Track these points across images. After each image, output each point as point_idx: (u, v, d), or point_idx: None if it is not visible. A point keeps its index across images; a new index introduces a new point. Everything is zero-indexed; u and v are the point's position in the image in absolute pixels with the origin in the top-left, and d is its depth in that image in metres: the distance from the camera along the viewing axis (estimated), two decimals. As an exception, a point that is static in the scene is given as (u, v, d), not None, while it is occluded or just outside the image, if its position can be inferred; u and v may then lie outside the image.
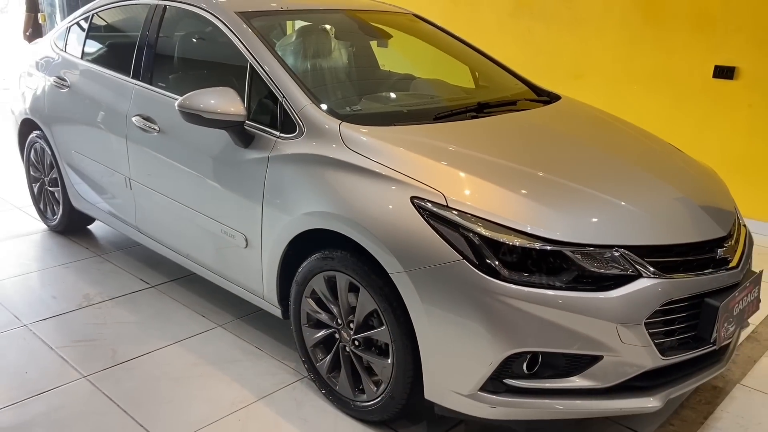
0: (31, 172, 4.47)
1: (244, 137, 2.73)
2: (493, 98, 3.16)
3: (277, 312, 2.82)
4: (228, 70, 3.12)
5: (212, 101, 2.63)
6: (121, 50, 3.73)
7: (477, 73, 3.81)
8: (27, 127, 4.37)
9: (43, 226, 4.49)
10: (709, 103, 4.89)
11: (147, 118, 3.22)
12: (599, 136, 2.89)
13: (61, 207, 4.22)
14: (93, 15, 3.92)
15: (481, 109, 2.92)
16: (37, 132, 4.24)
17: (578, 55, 5.62)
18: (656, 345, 2.09)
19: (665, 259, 2.13)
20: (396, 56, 4.11)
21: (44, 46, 4.30)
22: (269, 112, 2.75)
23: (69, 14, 10.20)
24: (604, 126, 3.03)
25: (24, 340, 3.06)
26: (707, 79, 4.88)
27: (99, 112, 3.58)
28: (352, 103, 2.93)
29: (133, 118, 3.29)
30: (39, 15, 9.85)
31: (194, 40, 3.42)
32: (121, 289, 3.61)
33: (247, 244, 2.80)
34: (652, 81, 5.18)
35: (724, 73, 4.78)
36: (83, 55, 3.90)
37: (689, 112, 5.00)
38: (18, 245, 4.18)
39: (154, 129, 3.17)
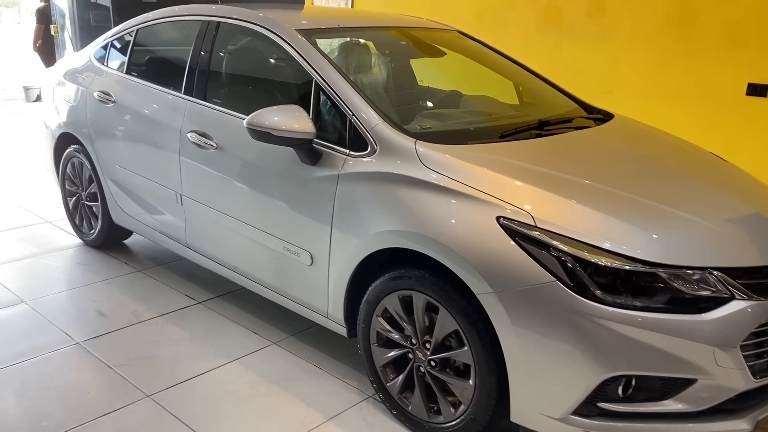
0: (67, 187, 4.44)
1: (311, 155, 2.72)
2: (551, 116, 3.16)
3: (342, 330, 2.80)
4: (289, 87, 3.12)
5: (282, 119, 2.63)
6: (171, 66, 3.72)
7: (521, 89, 3.82)
8: (63, 141, 4.34)
9: (78, 241, 4.46)
10: (742, 120, 4.92)
11: (203, 134, 3.20)
12: (668, 156, 2.90)
13: (99, 221, 4.19)
14: (137, 30, 3.90)
15: (541, 127, 2.93)
16: (75, 146, 4.22)
17: (607, 71, 5.65)
18: (749, 367, 2.08)
19: (756, 281, 2.13)
20: (432, 71, 4.13)
21: (81, 60, 4.28)
22: (337, 130, 2.74)
23: (80, 26, 10.21)
24: (669, 145, 3.04)
25: (80, 358, 3.03)
26: (740, 97, 4.91)
27: (148, 128, 3.56)
28: (415, 121, 2.92)
29: (188, 134, 3.27)
30: (51, 27, 9.84)
31: (251, 57, 3.42)
32: (169, 305, 3.58)
33: (312, 262, 2.79)
34: (683, 98, 5.21)
35: (757, 90, 4.81)
36: (128, 70, 3.88)
37: (721, 130, 5.03)
38: (56, 260, 4.14)
39: (211, 145, 3.15)
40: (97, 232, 4.24)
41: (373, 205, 2.50)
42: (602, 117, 3.32)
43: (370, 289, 2.59)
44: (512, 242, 2.14)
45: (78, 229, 4.45)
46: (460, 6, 6.30)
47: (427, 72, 4.09)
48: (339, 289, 2.71)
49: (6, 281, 3.81)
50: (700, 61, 5.11)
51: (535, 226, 2.14)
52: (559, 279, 2.05)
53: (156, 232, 3.75)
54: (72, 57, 4.53)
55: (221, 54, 3.41)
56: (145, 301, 3.61)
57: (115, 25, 10.24)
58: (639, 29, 5.39)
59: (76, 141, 4.19)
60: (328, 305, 2.80)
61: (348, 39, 3.43)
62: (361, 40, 3.57)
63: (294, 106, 2.71)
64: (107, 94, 3.86)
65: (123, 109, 3.73)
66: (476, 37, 4.10)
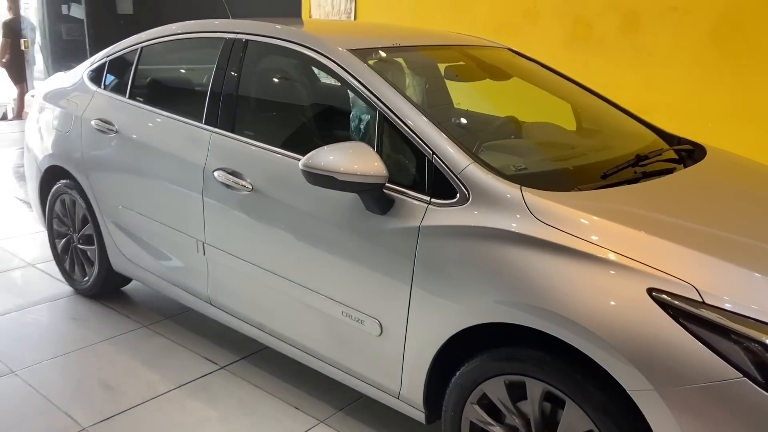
0: (55, 227, 3.87)
1: (381, 202, 2.22)
2: (636, 146, 2.71)
3: (419, 416, 2.30)
4: (342, 120, 2.63)
5: (348, 160, 2.13)
6: (186, 91, 3.22)
7: (580, 112, 3.38)
8: (51, 174, 3.77)
9: (68, 289, 3.88)
10: (797, 144, 4.54)
11: (234, 173, 2.68)
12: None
13: (96, 268, 3.62)
14: (141, 49, 3.36)
15: (638, 162, 2.48)
16: (66, 181, 3.65)
17: (643, 91, 5.24)
18: None
19: None
20: (466, 92, 3.67)
21: (71, 81, 3.73)
22: (410, 172, 2.27)
23: (52, 40, 9.56)
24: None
25: (89, 450, 2.47)
26: (795, 118, 4.53)
27: (161, 164, 3.02)
28: (497, 158, 2.44)
29: (215, 173, 2.75)
30: (21, 41, 9.18)
31: (289, 81, 2.91)
32: (187, 372, 3.03)
33: (381, 332, 2.28)
34: (730, 120, 4.82)
35: (815, 111, 4.44)
36: (132, 94, 3.34)
37: (775, 154, 4.63)
38: (45, 315, 3.56)
39: (245, 187, 2.63)
40: (92, 279, 3.67)
41: (470, 267, 2.01)
42: (691, 148, 2.89)
43: (464, 369, 2.10)
44: (675, 324, 1.67)
45: (68, 275, 3.87)
46: (476, 19, 5.86)
47: (460, 93, 3.64)
48: (418, 367, 2.21)
49: (-12, 344, 3.22)
50: (749, 79, 4.72)
51: (703, 303, 1.67)
52: (747, 375, 1.58)
53: (167, 283, 3.20)
54: (59, 77, 3.96)
55: (252, 78, 2.90)
56: (159, 368, 3.06)
57: (91, 39, 9.73)
58: (679, 45, 5.00)
59: (68, 175, 3.63)
60: (401, 385, 2.29)
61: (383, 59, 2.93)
62: (403, 61, 3.08)
63: (360, 144, 2.22)
64: (107, 122, 3.31)
65: (128, 141, 3.19)
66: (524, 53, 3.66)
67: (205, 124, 2.91)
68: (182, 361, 3.12)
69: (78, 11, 9.60)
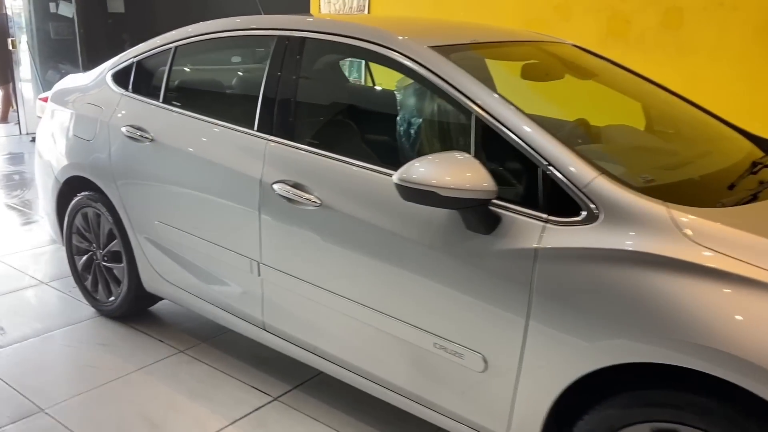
0: (75, 242, 3.54)
1: (486, 220, 1.95)
2: (745, 153, 2.47)
3: (529, 461, 2.02)
4: (428, 126, 2.35)
5: (452, 173, 1.86)
6: (232, 95, 2.93)
7: (651, 112, 3.14)
8: (70, 186, 3.44)
9: (89, 310, 3.55)
10: None
11: (297, 186, 2.39)
12: None
13: (124, 287, 3.30)
14: (176, 49, 3.05)
15: (756, 170, 2.24)
16: (89, 194, 3.33)
17: (685, 89, 4.98)
18: None
19: None
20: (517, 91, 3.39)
21: (92, 84, 3.40)
22: (518, 185, 2.00)
23: (40, 40, 9.15)
24: None
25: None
26: None
27: (207, 176, 2.72)
28: (616, 169, 2.17)
29: (275, 186, 2.46)
30: (9, 41, 8.77)
31: (358, 83, 2.62)
32: (237, 404, 2.74)
33: (485, 368, 2.01)
34: (779, 120, 4.60)
35: None
36: (167, 98, 3.03)
37: (829, 156, 4.42)
38: (67, 340, 3.25)
39: (311, 201, 2.34)
40: (119, 300, 3.35)
41: (606, 297, 1.75)
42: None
43: (596, 414, 1.84)
44: None
45: (90, 295, 3.54)
46: (504, 15, 5.60)
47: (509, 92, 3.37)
48: (534, 410, 1.94)
49: (8, 377, 2.89)
50: (801, 78, 4.49)
51: None
52: None
53: (211, 306, 2.90)
54: (74, 79, 3.64)
55: (311, 80, 2.61)
56: (206, 400, 2.76)
57: (82, 39, 9.32)
58: (725, 42, 4.77)
59: (92, 187, 3.31)
60: (509, 428, 2.02)
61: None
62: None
63: (461, 154, 1.95)
64: (140, 129, 2.99)
65: (165, 150, 2.88)
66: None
67: (257, 131, 2.61)
68: (230, 392, 2.83)
69: (66, 9, 9.21)
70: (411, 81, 2.72)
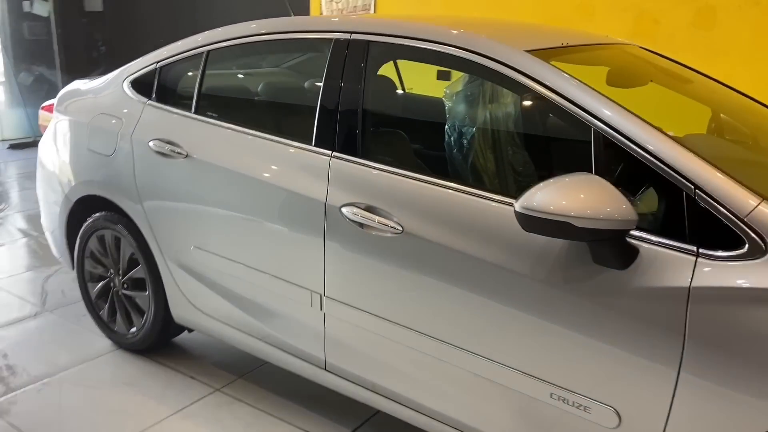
0: (88, 268, 3.19)
1: (622, 252, 1.68)
2: None
3: None
4: (533, 143, 2.08)
5: (591, 201, 1.59)
6: (279, 105, 2.63)
7: (722, 117, 2.92)
8: (83, 205, 3.09)
9: (105, 342, 3.20)
10: None
11: (371, 209, 2.10)
12: None
13: (149, 318, 2.97)
14: (209, 53, 2.73)
15: None
16: (107, 214, 2.99)
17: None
18: None
19: None
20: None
21: (105, 92, 3.06)
22: (656, 212, 1.73)
23: (14, 39, 8.64)
24: None
25: None
26: None
27: (255, 197, 2.42)
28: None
29: (344, 210, 2.16)
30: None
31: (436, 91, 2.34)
32: (296, 454, 2.43)
33: (619, 424, 1.75)
34: (819, 123, 4.42)
35: None
36: (200, 108, 2.71)
37: None
38: (87, 380, 2.92)
39: (391, 227, 2.05)
40: (143, 332, 3.02)
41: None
42: None
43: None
44: None
45: (106, 326, 3.20)
46: (523, 13, 5.36)
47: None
48: (681, 470, 1.67)
49: (26, 428, 2.54)
50: (843, 79, 4.32)
51: None
52: None
53: (256, 341, 2.60)
54: (80, 86, 3.28)
55: (379, 89, 2.31)
56: (259, 451, 2.44)
57: (60, 39, 8.84)
58: (760, 43, 4.58)
59: (111, 207, 2.96)
60: (644, 489, 1.75)
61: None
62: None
63: (592, 177, 1.68)
64: (171, 143, 2.67)
65: (203, 167, 2.56)
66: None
67: (316, 146, 2.30)
68: (283, 439, 2.52)
69: (41, 8, 8.73)
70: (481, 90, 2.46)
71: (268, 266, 2.44)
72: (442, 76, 3.46)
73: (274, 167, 2.39)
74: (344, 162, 2.23)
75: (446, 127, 2.55)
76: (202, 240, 2.63)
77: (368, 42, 2.30)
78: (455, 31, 2.13)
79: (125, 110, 2.91)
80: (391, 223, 2.08)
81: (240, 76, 2.89)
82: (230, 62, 2.87)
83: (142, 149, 2.77)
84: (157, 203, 2.75)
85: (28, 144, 7.90)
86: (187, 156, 2.62)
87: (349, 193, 2.19)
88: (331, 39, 2.38)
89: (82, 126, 3.05)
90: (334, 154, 2.27)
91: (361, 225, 2.14)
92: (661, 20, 4.87)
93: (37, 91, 8.80)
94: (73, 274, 3.93)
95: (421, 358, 2.11)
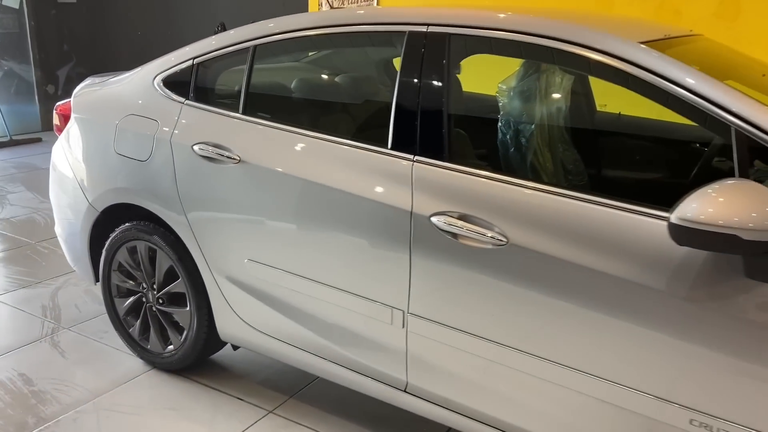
0: (115, 282, 2.94)
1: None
2: None
3: None
4: (657, 146, 1.91)
5: (758, 209, 1.43)
6: (345, 105, 2.43)
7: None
8: (109, 215, 2.85)
9: (136, 362, 2.96)
10: None
11: (465, 218, 1.92)
12: None
13: (190, 335, 2.75)
14: (256, 48, 2.51)
15: None
16: (141, 224, 2.76)
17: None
18: None
19: None
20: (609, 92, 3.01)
21: (133, 89, 2.82)
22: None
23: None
24: None
25: None
26: None
27: (323, 205, 2.22)
28: None
29: (434, 219, 1.97)
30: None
31: (535, 89, 2.16)
32: (373, 483, 2.24)
33: (770, 450, 1.59)
34: None
35: None
36: (249, 108, 2.49)
37: None
38: (124, 404, 2.69)
39: (494, 239, 1.88)
40: (183, 350, 2.79)
41: None
42: None
43: None
44: None
45: (137, 344, 2.96)
46: (540, 2, 5.21)
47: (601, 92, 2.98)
48: None
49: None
50: None
51: None
52: None
53: (321, 360, 2.41)
54: (99, 84, 3.02)
55: (464, 86, 2.13)
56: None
57: (33, 32, 8.42)
58: (787, 33, 4.50)
59: (145, 216, 2.73)
60: None
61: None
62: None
63: (754, 183, 1.52)
64: (221, 147, 2.44)
65: (261, 173, 2.35)
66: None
67: (393, 149, 2.11)
68: (354, 465, 2.33)
69: (11, 0, 8.29)
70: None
71: (338, 281, 2.25)
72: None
73: (343, 173, 2.19)
74: (430, 167, 2.05)
75: (500, 124, 2.38)
76: (258, 252, 2.42)
77: (448, 35, 2.11)
78: (548, 22, 1.96)
79: (160, 111, 2.67)
80: (493, 234, 1.90)
81: (294, 73, 2.67)
82: (281, 58, 2.65)
83: (184, 154, 2.54)
84: (204, 213, 2.52)
85: (2, 144, 7.48)
86: (240, 161, 2.40)
87: (439, 201, 2.00)
88: (404, 32, 2.19)
89: (109, 128, 2.79)
90: (417, 158, 2.08)
91: (455, 235, 1.96)
92: (683, 11, 4.77)
93: (7, 87, 8.38)
94: (85, 285, 3.70)
95: (527, 380, 1.94)
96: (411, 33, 2.17)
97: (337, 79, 2.70)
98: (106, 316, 3.26)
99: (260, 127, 2.41)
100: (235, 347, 2.79)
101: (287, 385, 2.81)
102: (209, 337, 2.74)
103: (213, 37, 2.67)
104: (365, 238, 2.15)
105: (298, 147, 2.31)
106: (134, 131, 2.70)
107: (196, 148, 2.50)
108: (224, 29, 7.21)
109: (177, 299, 2.77)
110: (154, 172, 2.63)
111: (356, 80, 2.65)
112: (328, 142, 2.26)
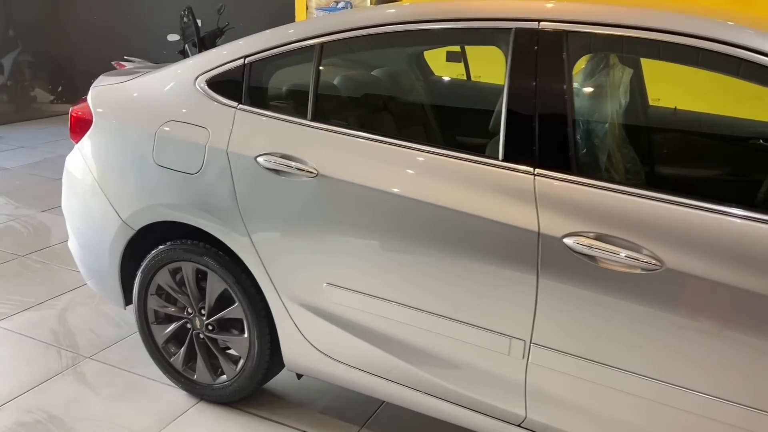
0: (154, 307, 2.65)
1: None
2: None
3: None
4: None
5: None
6: (440, 109, 2.18)
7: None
8: (148, 232, 2.55)
9: (180, 395, 2.68)
10: None
11: (602, 239, 1.73)
12: None
13: (249, 364, 2.50)
14: (323, 46, 2.24)
15: None
16: (186, 243, 2.46)
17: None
18: None
19: None
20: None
21: (171, 91, 2.52)
22: None
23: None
24: None
25: None
26: None
27: (426, 224, 1.99)
28: None
29: (567, 241, 1.77)
30: None
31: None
32: None
33: None
34: None
35: None
36: (319, 115, 2.23)
37: None
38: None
39: (645, 262, 1.69)
40: (239, 381, 2.54)
41: None
42: None
43: None
44: None
45: (181, 375, 2.67)
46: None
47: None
48: None
49: None
50: None
51: None
52: None
53: (412, 391, 2.18)
54: (120, 83, 2.69)
55: (591, 90, 1.93)
56: None
57: (6, 22, 7.79)
58: None
59: (193, 233, 2.45)
60: None
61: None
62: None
63: None
64: (293, 159, 2.18)
65: (346, 189, 2.10)
66: None
67: (505, 161, 1.90)
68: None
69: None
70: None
71: (442, 308, 2.03)
72: (452, 57, 3.10)
73: (447, 188, 1.97)
74: (556, 181, 1.84)
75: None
76: (340, 276, 2.17)
77: (565, 32, 1.90)
78: (700, 20, 1.76)
79: (209, 118, 2.38)
80: (643, 257, 1.71)
81: (370, 74, 2.41)
82: (353, 57, 2.39)
83: (246, 166, 2.26)
84: (272, 231, 2.25)
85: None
86: (317, 175, 2.13)
87: (572, 220, 1.80)
88: (509, 29, 1.96)
89: (145, 136, 2.48)
90: (538, 171, 1.86)
91: (593, 258, 1.77)
92: (698, -2, 4.67)
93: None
94: (95, 305, 3.37)
95: (686, 419, 1.77)
96: (518, 30, 1.95)
97: (424, 82, 2.45)
98: (128, 340, 2.98)
99: (341, 136, 2.16)
100: (299, 376, 2.53)
101: (353, 414, 2.59)
102: (270, 367, 2.47)
103: (267, 32, 2.39)
104: (478, 261, 1.93)
105: (388, 159, 2.07)
106: (179, 140, 2.40)
107: (260, 159, 2.23)
108: (192, 15, 6.83)
109: (229, 325, 2.50)
110: (208, 187, 2.34)
111: (444, 83, 2.41)
112: (424, 153, 2.02)
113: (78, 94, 9.07)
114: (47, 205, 5.00)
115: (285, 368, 2.48)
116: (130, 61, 7.38)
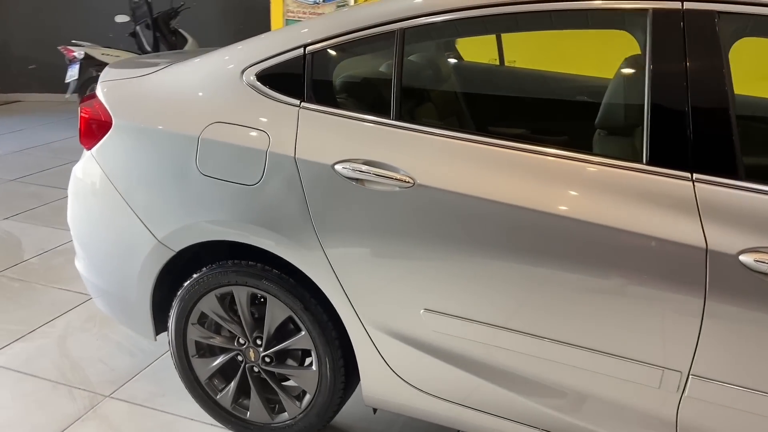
0: (196, 338, 2.28)
1: None
2: None
3: None
4: None
5: None
6: (562, 103, 1.88)
7: None
8: (190, 254, 2.18)
9: (222, 433, 2.33)
10: None
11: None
12: None
13: (319, 400, 2.17)
14: (404, 32, 1.91)
15: None
16: (237, 264, 2.11)
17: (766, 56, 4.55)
18: None
19: None
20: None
21: (207, 85, 2.16)
22: None
23: None
24: None
25: None
26: None
27: (569, 241, 1.69)
28: None
29: (743, 258, 1.53)
30: None
31: None
32: None
33: None
34: None
35: None
36: (404, 114, 1.92)
37: None
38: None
39: None
40: (305, 419, 2.21)
41: None
42: None
43: None
44: None
45: (230, 414, 2.32)
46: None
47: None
48: None
49: None
50: None
51: None
52: None
53: (528, 428, 1.90)
54: (141, 77, 2.29)
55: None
56: None
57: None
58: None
59: (248, 254, 2.09)
60: None
61: None
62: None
63: None
64: (380, 166, 1.86)
65: (452, 202, 1.79)
66: None
67: (652, 164, 1.63)
68: None
69: None
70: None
71: (576, 336, 1.75)
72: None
73: (581, 198, 1.68)
74: (725, 188, 1.57)
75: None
76: (443, 301, 1.87)
77: (716, 12, 1.63)
78: None
79: (266, 118, 2.02)
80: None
81: (464, 65, 2.08)
82: (446, 46, 2.05)
83: (320, 174, 1.92)
84: (354, 249, 1.93)
85: None
86: (414, 184, 1.81)
87: (748, 234, 1.55)
88: (646, 9, 1.69)
89: (184, 141, 2.10)
90: (697, 176, 1.60)
91: (775, 278, 1.51)
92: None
93: None
94: (97, 329, 2.98)
95: None
96: (656, 11, 1.67)
97: (539, 74, 2.14)
98: (148, 371, 2.63)
99: (441, 139, 1.84)
100: (375, 410, 2.22)
101: (430, 447, 2.28)
102: (342, 401, 2.16)
103: (329, 16, 2.05)
104: (625, 282, 1.65)
105: (501, 164, 1.76)
106: (231, 145, 2.03)
107: (339, 167, 1.88)
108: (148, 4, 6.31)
109: (288, 357, 2.17)
110: (271, 199, 1.99)
111: (563, 76, 2.10)
112: (543, 155, 1.73)
113: (16, 82, 8.37)
114: (9, 212, 4.48)
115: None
116: (79, 46, 6.80)
